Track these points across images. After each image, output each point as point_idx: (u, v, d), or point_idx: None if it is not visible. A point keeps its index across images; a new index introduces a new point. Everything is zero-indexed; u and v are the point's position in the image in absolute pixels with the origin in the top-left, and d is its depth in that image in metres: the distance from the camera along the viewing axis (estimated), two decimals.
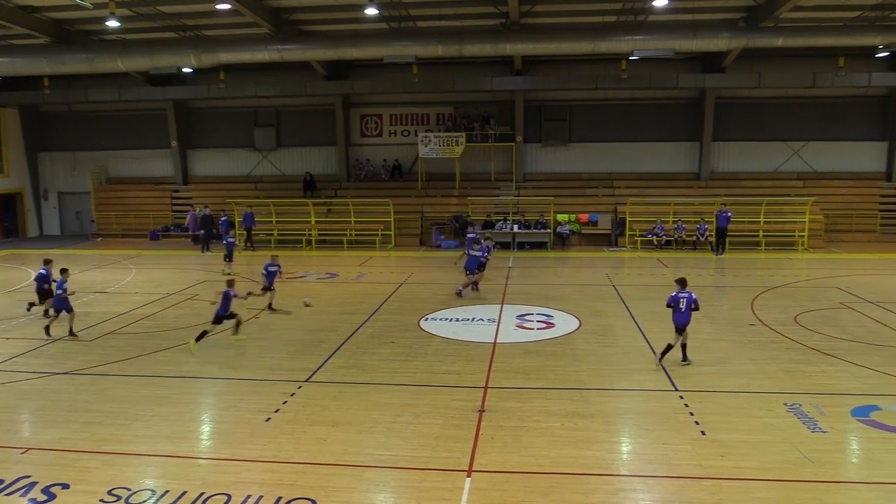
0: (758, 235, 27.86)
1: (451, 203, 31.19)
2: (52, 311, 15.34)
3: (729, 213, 26.35)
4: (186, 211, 32.50)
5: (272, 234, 29.77)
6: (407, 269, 23.67)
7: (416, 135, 32.02)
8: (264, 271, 17.39)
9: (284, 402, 10.78)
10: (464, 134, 30.91)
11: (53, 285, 15.45)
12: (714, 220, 26.63)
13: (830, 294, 18.75)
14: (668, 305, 12.51)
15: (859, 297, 18.01)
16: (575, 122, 32.34)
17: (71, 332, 14.78)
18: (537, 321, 16.03)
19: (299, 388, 11.49)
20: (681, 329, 12.45)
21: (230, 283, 14.55)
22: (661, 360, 12.52)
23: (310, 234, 29.98)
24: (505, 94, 31.58)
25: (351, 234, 29.99)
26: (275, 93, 30.38)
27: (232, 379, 12.07)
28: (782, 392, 11.13)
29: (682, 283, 12.57)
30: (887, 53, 26.96)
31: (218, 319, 14.10)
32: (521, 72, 30.31)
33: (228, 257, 22.83)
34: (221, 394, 11.42)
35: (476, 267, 19.13)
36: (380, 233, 29.53)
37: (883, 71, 28.89)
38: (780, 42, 23.37)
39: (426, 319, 16.26)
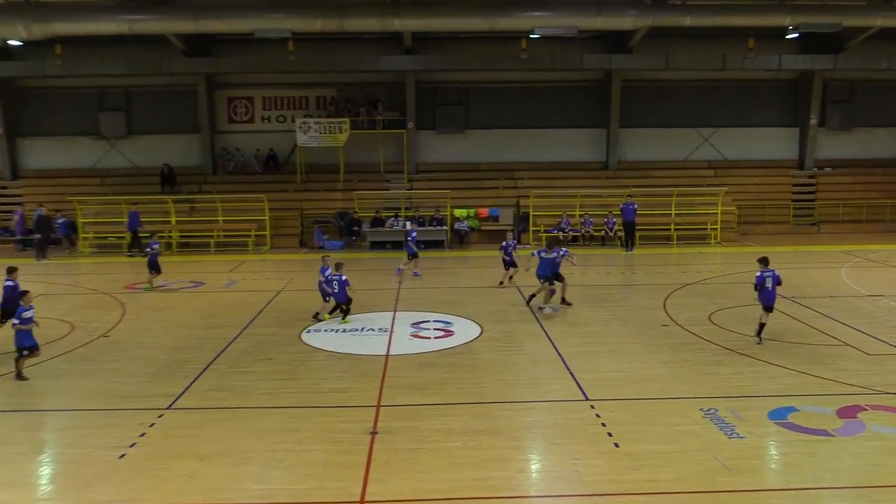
0: (669, 229, 29.14)
1: (335, 198, 30.93)
2: None
3: (634, 206, 27.43)
4: (13, 211, 30.68)
5: (124, 238, 28.51)
6: (285, 275, 23.26)
7: (294, 121, 31.54)
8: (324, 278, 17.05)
9: (142, 435, 10.34)
10: (348, 120, 30.71)
11: None
12: (621, 213, 27.66)
13: (745, 290, 19.77)
14: (755, 286, 14.54)
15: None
16: (472, 107, 32.79)
17: None
18: (434, 329, 16.11)
19: (160, 417, 11.05)
20: (769, 308, 14.50)
21: (338, 266, 16.64)
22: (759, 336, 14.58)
23: (170, 237, 28.95)
24: (394, 74, 31.62)
25: (219, 236, 29.19)
26: (124, 71, 29.19)
27: (77, 410, 11.47)
28: (698, 397, 11.66)
29: (764, 261, 14.69)
30: (798, 35, 28.81)
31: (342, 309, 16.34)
32: (412, 50, 30.42)
33: (154, 268, 21.41)
34: (65, 429, 10.82)
35: (550, 274, 17.41)
36: (253, 233, 28.90)
37: (794, 54, 30.88)
38: (688, 21, 24.59)
39: (309, 331, 16.03)
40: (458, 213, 29.96)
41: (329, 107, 32.37)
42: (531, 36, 26.68)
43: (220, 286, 21.58)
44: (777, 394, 11.78)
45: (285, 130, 32.45)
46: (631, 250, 27.23)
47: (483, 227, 30.02)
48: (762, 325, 14.61)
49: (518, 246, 23.31)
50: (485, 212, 30.37)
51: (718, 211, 29.35)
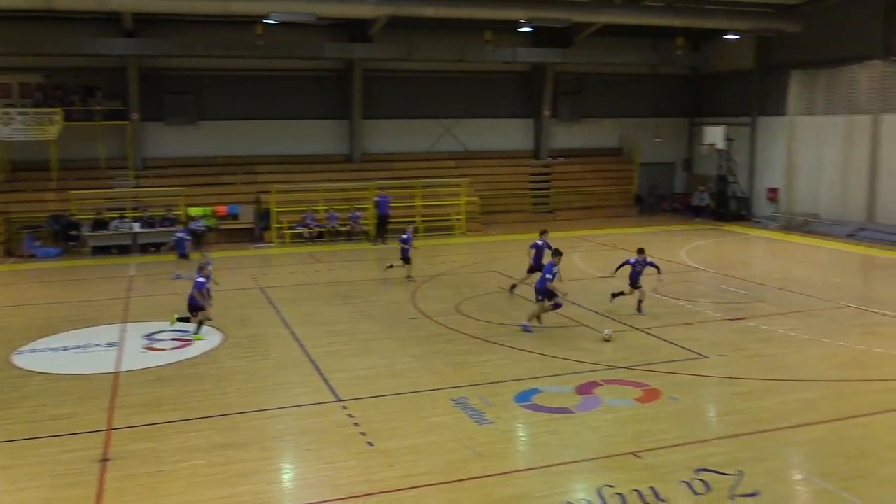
0: (415, 221, 30.13)
1: (47, 199, 28.39)
2: None
3: (388, 198, 28.07)
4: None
5: None
6: None
7: None
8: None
9: None
10: (60, 110, 28.27)
11: None
12: (374, 206, 28.12)
13: (490, 279, 21.10)
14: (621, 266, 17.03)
15: (516, 280, 20.49)
16: (206, 97, 31.63)
17: None
18: (171, 339, 15.41)
19: None
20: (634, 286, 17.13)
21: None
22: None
23: None
24: (114, 59, 29.63)
25: None
26: None
27: None
28: (448, 387, 12.22)
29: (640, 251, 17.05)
30: (531, 29, 31.05)
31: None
32: (133, 33, 28.73)
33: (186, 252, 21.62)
34: None
35: (543, 293, 15.81)
36: None
37: (527, 46, 33.18)
38: (430, 12, 25.54)
39: (21, 353, 14.63)
40: (193, 211, 28.79)
41: (36, 95, 29.63)
42: (267, 21, 26.29)
43: None
44: (522, 377, 12.67)
45: None
46: (383, 243, 27.75)
47: (222, 227, 29.13)
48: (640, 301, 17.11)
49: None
50: (223, 209, 29.46)
51: (462, 202, 30.83)
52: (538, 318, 15.87)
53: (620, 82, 36.48)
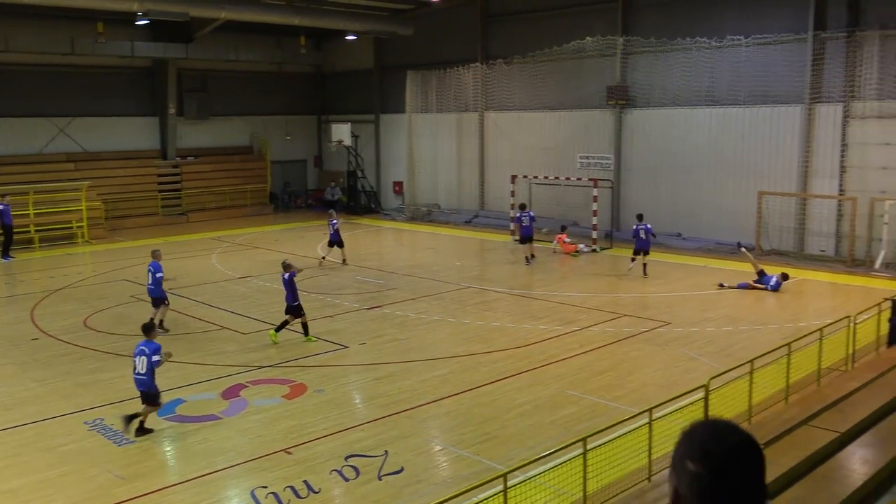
0: (29, 231, 27.22)
1: None
2: None
3: (9, 206, 24.85)
4: None
5: None
6: None
7: None
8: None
9: None
10: None
11: None
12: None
13: (120, 288, 19.80)
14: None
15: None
16: None
17: None
18: None
19: None
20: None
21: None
22: None
23: None
24: None
25: None
26: None
27: None
28: (81, 410, 11.32)
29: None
30: (148, 22, 29.41)
31: None
32: None
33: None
34: None
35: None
36: None
37: (146, 41, 31.45)
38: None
39: None
40: None
41: None
42: None
43: None
44: (163, 389, 12.08)
45: None
46: (9, 258, 24.50)
47: None
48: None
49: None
50: None
51: (83, 207, 28.49)
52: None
53: (247, 80, 36.28)
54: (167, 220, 32.39)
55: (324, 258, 22.61)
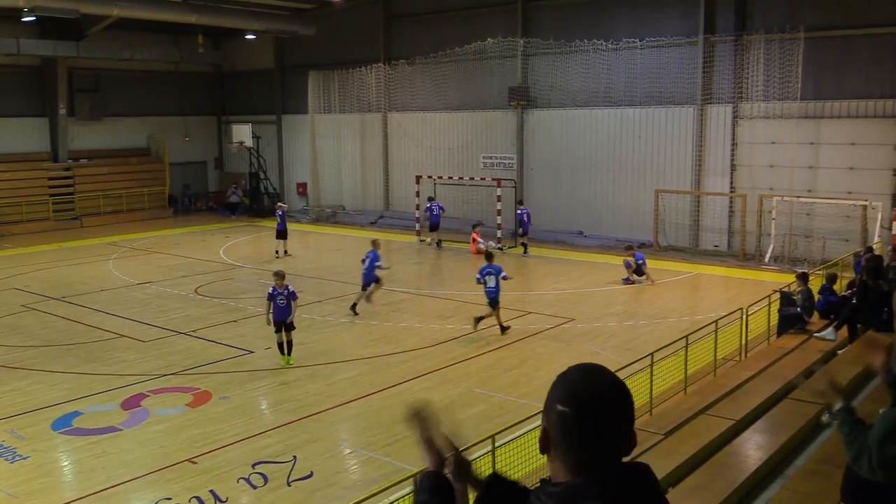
0: None
1: None
2: None
3: None
4: None
5: None
6: None
7: None
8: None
9: None
10: None
11: None
12: None
13: (10, 297, 18.88)
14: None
15: (42, 295, 18.71)
16: None
17: None
18: None
19: None
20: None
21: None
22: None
23: None
24: None
25: None
26: None
27: None
28: None
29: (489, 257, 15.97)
30: (35, 19, 28.05)
31: None
32: None
33: None
34: None
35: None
36: None
37: (34, 38, 30.02)
38: None
39: None
40: None
41: None
42: None
43: None
44: (59, 402, 11.64)
45: None
46: None
47: None
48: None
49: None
50: None
51: None
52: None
53: (143, 79, 35.11)
54: (59, 226, 31.12)
55: (284, 252, 23.94)
